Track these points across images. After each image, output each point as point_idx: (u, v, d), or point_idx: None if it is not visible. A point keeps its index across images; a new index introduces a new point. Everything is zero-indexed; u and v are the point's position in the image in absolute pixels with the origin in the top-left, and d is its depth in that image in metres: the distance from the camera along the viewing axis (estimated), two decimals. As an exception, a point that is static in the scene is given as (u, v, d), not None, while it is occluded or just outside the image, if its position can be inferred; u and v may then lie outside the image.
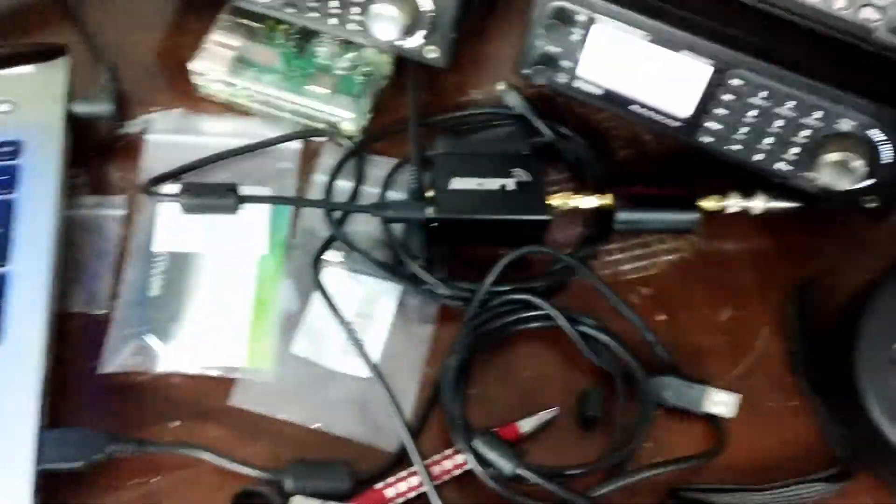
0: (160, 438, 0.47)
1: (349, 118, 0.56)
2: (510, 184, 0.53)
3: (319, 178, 0.57)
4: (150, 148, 0.56)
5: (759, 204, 0.54)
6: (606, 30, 0.50)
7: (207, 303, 0.51)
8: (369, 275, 0.53)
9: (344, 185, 0.56)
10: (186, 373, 0.49)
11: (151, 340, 0.49)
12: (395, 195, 0.56)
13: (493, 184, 0.53)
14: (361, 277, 0.53)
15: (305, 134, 0.57)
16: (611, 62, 0.51)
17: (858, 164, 0.48)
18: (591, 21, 0.50)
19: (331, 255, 0.53)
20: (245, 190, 0.52)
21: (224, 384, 0.49)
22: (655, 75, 0.51)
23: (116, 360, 0.49)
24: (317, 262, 0.53)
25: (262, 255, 0.53)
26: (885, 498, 0.49)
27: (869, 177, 0.48)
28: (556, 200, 0.53)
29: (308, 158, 0.57)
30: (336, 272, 0.53)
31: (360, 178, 0.56)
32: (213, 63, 0.57)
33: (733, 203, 0.54)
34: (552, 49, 0.52)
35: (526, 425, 0.49)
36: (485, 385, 0.51)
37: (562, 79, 0.53)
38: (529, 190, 0.53)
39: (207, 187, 0.51)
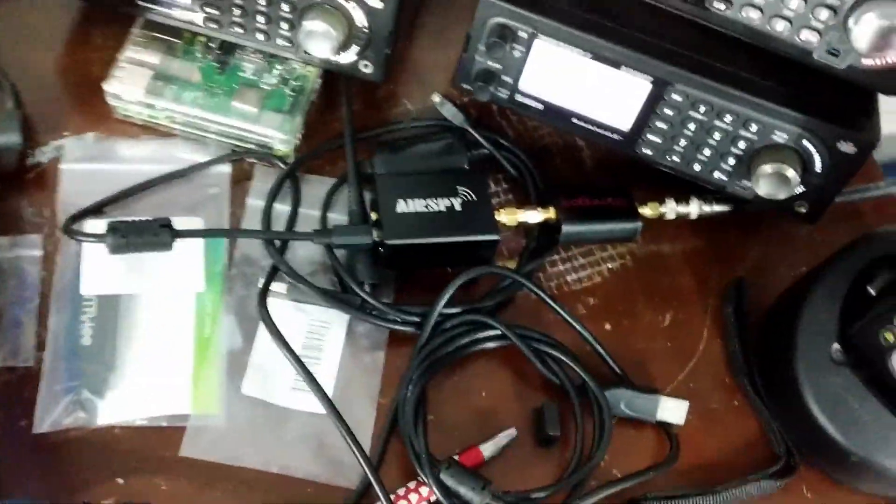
0: (107, 498, 0.44)
1: (281, 137, 0.53)
2: (457, 203, 0.52)
3: (254, 202, 0.54)
4: (65, 178, 0.51)
5: (694, 209, 0.55)
6: (548, 46, 0.49)
7: (145, 348, 0.47)
8: (315, 304, 0.51)
9: (281, 209, 0.53)
10: (129, 425, 0.46)
11: (87, 394, 0.45)
12: (336, 217, 0.53)
13: (440, 204, 0.51)
14: (307, 307, 0.51)
15: (235, 156, 0.54)
16: (552, 77, 0.51)
17: (792, 174, 0.49)
18: (532, 38, 0.49)
19: (274, 287, 0.50)
20: (178, 223, 0.48)
21: (172, 434, 0.47)
22: (596, 90, 0.51)
23: (50, 417, 0.45)
24: (260, 295, 0.49)
25: (199, 291, 0.49)
26: (825, 489, 0.51)
27: (801, 185, 0.49)
28: (503, 217, 0.53)
29: (238, 182, 0.54)
30: (280, 303, 0.51)
31: (297, 201, 0.53)
32: (130, 83, 0.52)
33: (671, 210, 0.55)
34: (493, 65, 0.51)
35: (487, 450, 0.49)
36: (442, 410, 0.50)
37: (503, 94, 0.52)
38: (477, 208, 0.52)
39: (138, 226, 0.47)
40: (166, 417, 0.46)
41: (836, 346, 0.49)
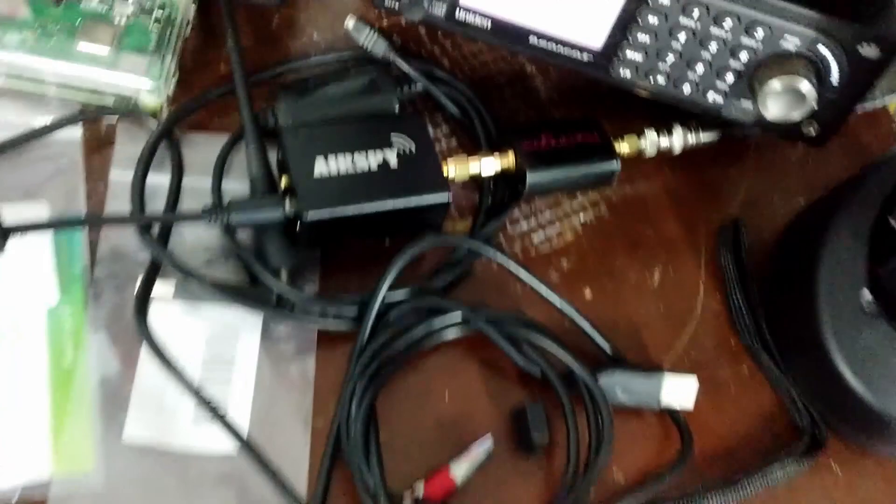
0: None
1: (147, 85, 0.38)
2: (391, 157, 0.37)
3: (119, 175, 0.38)
4: None
5: (678, 141, 0.44)
6: (497, -62, 0.34)
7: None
8: (216, 304, 0.37)
9: (158, 182, 0.37)
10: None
11: None
12: (234, 188, 0.40)
13: (370, 160, 0.37)
14: (205, 309, 0.36)
15: (87, 115, 0.37)
16: (503, -18, 0.36)
17: (808, 88, 0.37)
18: (475, -73, 0.34)
19: (157, 288, 0.35)
20: (11, 213, 0.32)
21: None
22: (560, -3, 0.36)
23: None
24: (137, 302, 0.34)
25: (50, 305, 0.33)
26: (858, 463, 0.41)
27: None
28: (452, 170, 0.39)
29: (95, 149, 0.40)
30: (168, 308, 0.35)
31: (179, 169, 0.39)
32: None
33: (651, 143, 0.43)
34: (425, -29, 0.36)
35: (460, 470, 0.35)
36: (398, 425, 0.37)
37: (439, 10, 0.37)
38: (417, 162, 0.37)
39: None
40: (20, 489, 0.30)
41: (865, 292, 0.39)
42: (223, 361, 0.37)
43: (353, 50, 0.42)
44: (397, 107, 0.42)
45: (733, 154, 0.47)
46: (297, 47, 0.43)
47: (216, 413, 0.34)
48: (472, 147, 0.43)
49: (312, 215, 0.36)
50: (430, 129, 0.44)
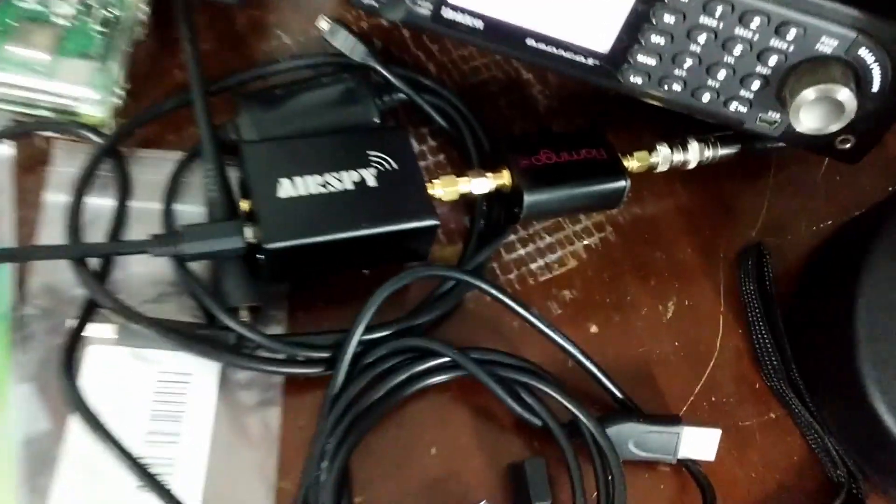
0: None
1: (91, 96, 0.33)
2: (369, 176, 0.32)
3: (55, 198, 0.33)
4: None
5: (694, 156, 0.40)
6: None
7: None
8: (165, 349, 0.32)
9: (101, 206, 0.32)
10: None
11: None
12: (189, 211, 0.34)
13: (344, 180, 0.32)
14: (152, 355, 0.32)
15: (20, 130, 0.32)
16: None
17: (847, 97, 0.32)
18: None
19: (95, 330, 0.29)
20: None
21: None
22: (561, -7, 0.31)
23: None
24: (70, 348, 0.29)
25: None
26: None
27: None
28: (439, 190, 0.34)
29: (28, 170, 0.35)
30: (108, 355, 0.30)
31: (124, 191, 0.34)
32: None
33: (664, 159, 0.39)
34: (407, -37, 0.31)
35: None
36: (376, 487, 0.33)
37: (424, 9, 0.32)
38: (399, 182, 0.33)
39: None
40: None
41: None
42: (173, 415, 0.31)
43: (328, 55, 0.37)
44: (378, 119, 0.36)
45: (753, 170, 0.43)
46: (265, 52, 0.38)
47: (159, 488, 0.28)
48: (462, 164, 0.38)
49: (275, 245, 0.30)
50: (415, 145, 0.38)
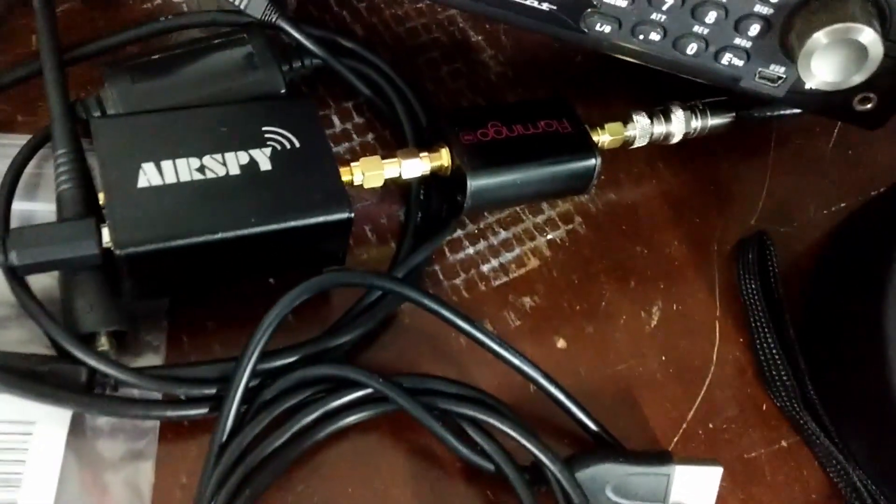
0: None
1: None
2: (262, 158, 0.24)
3: None
4: None
5: (678, 126, 0.34)
6: None
7: None
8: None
9: None
10: None
11: None
12: (39, 210, 0.28)
13: (228, 164, 0.24)
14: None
15: None
16: None
17: (871, 38, 0.25)
18: None
19: None
20: None
21: None
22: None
23: None
24: None
25: None
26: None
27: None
28: (359, 175, 0.26)
29: None
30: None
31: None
32: None
33: (642, 131, 0.33)
34: None
35: None
36: None
37: None
38: (302, 164, 0.26)
39: None
40: None
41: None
42: (8, 479, 0.24)
43: (222, 12, 0.32)
44: (284, 89, 0.29)
45: (751, 145, 0.37)
46: (143, 10, 0.32)
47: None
48: (396, 145, 0.32)
49: (129, 250, 0.23)
50: (337, 122, 0.31)
